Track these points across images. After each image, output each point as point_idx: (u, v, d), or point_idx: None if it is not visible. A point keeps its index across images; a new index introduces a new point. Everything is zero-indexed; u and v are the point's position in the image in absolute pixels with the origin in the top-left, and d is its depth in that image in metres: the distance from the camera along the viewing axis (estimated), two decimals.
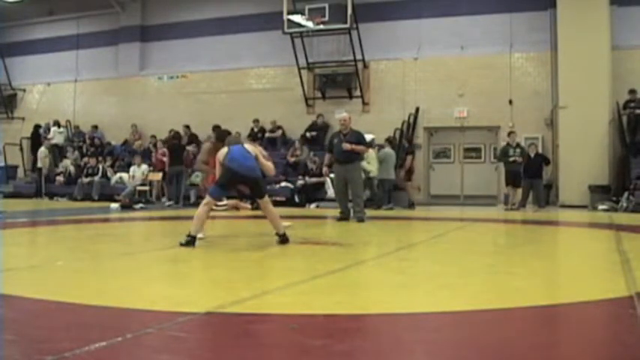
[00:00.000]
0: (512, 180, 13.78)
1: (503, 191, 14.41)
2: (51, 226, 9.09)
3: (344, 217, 9.75)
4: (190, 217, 6.09)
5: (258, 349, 2.41)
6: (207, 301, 3.29)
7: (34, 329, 2.66)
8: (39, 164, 17.65)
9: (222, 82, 18.81)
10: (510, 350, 2.45)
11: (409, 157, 15.02)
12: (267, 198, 6.19)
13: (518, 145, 13.95)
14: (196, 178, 15.56)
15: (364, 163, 13.68)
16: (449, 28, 16.47)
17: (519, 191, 13.82)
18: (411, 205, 14.43)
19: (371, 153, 13.57)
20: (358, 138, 9.74)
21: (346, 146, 9.50)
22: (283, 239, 6.10)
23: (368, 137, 13.99)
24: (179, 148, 15.12)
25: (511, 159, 13.64)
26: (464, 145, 18.09)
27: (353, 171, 9.69)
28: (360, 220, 9.49)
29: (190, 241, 5.74)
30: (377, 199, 13.97)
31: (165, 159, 15.57)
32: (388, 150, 14.21)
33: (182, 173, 15.00)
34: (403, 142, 15.63)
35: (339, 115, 10.26)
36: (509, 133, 14.24)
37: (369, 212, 10.59)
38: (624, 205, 12.85)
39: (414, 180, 15.54)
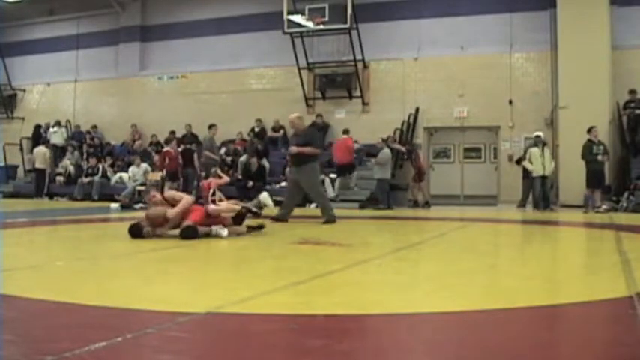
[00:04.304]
0: (595, 180, 12.84)
1: (584, 193, 13.13)
2: (51, 226, 9.09)
3: (280, 219, 8.92)
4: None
5: (258, 349, 2.41)
6: (207, 301, 3.28)
7: (34, 329, 2.66)
8: (37, 164, 17.56)
9: (223, 82, 18.82)
10: (510, 350, 2.45)
11: (419, 157, 15.19)
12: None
13: (600, 141, 13.07)
14: None
15: (525, 163, 13.46)
16: (449, 28, 16.48)
17: (597, 193, 12.96)
18: (426, 204, 14.57)
19: (534, 152, 13.27)
20: (306, 139, 9.00)
21: (292, 149, 9.03)
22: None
23: (534, 135, 13.76)
24: (191, 152, 15.68)
25: (598, 157, 12.81)
26: (464, 145, 18.10)
27: (303, 174, 8.97)
28: (330, 221, 8.82)
29: None
30: (378, 199, 14.00)
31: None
32: (386, 150, 14.24)
33: (190, 175, 15.30)
34: (410, 144, 15.70)
35: (291, 116, 9.52)
36: (590, 129, 13.02)
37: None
38: (624, 205, 12.85)
39: (425, 181, 15.57)
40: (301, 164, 8.94)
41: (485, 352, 2.41)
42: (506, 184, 15.67)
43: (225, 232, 6.50)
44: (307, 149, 8.86)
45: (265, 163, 16.12)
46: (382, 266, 4.94)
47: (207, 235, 6.45)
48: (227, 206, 6.80)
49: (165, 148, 15.79)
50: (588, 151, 12.90)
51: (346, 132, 15.50)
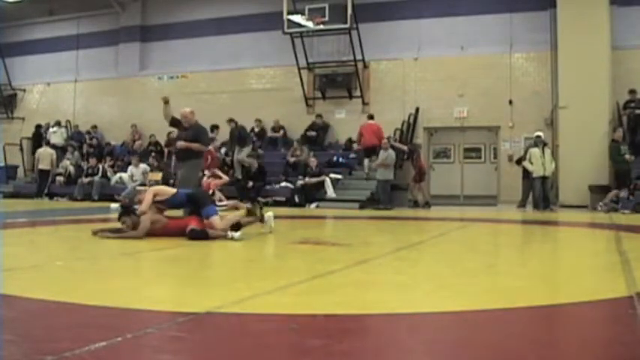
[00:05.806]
0: (623, 180, 12.90)
1: (615, 193, 12.99)
2: (51, 226, 9.08)
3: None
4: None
5: (258, 349, 2.41)
6: (207, 301, 3.28)
7: (34, 329, 2.66)
8: (42, 165, 17.47)
9: (223, 82, 18.82)
10: (510, 350, 2.45)
11: (420, 157, 15.15)
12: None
13: (624, 141, 13.09)
14: None
15: (525, 163, 13.32)
16: (449, 28, 16.48)
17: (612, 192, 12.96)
18: (426, 204, 14.55)
19: (535, 152, 13.17)
20: (195, 134, 8.77)
21: (180, 144, 8.86)
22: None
23: (534, 134, 13.62)
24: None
25: (626, 156, 12.89)
26: (464, 145, 18.09)
27: (185, 169, 8.83)
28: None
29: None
30: (379, 199, 13.98)
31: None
32: (390, 151, 14.22)
33: None
34: (411, 143, 15.67)
35: (184, 109, 9.26)
36: (615, 129, 13.11)
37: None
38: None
39: (425, 181, 15.53)
40: (185, 159, 8.74)
41: (485, 352, 2.41)
42: (506, 184, 15.66)
43: (237, 234, 6.33)
44: (194, 145, 8.64)
45: (241, 153, 15.55)
46: (382, 266, 4.94)
47: (216, 238, 6.34)
48: (226, 222, 6.64)
49: (207, 147, 15.71)
50: (616, 152, 13.08)
51: (371, 117, 15.65)
